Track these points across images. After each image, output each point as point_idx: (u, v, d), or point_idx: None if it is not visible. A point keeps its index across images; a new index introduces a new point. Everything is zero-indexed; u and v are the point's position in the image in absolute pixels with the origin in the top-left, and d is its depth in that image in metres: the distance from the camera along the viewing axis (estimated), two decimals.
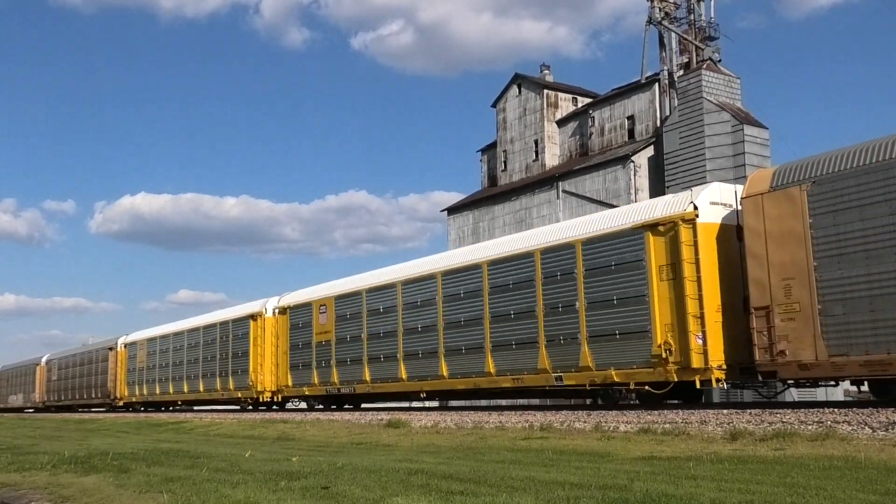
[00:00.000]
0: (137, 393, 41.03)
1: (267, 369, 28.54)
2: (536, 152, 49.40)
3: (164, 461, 11.53)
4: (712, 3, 42.94)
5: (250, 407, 30.86)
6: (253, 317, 29.61)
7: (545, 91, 49.72)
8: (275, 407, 29.84)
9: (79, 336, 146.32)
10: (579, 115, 48.32)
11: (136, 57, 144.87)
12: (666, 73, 42.52)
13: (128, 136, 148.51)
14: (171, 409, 39.93)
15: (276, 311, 28.44)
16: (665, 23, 42.90)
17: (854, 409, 11.83)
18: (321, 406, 27.34)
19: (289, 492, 7.45)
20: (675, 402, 16.93)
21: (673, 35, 42.69)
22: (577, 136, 47.98)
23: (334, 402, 26.87)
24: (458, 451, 12.19)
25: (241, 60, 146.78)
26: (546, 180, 46.62)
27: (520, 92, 51.10)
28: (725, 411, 13.03)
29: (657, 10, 43.10)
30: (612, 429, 12.79)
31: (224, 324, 32.14)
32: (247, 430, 21.25)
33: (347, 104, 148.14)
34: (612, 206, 37.26)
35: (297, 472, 8.92)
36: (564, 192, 45.13)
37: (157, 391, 38.82)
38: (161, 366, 38.42)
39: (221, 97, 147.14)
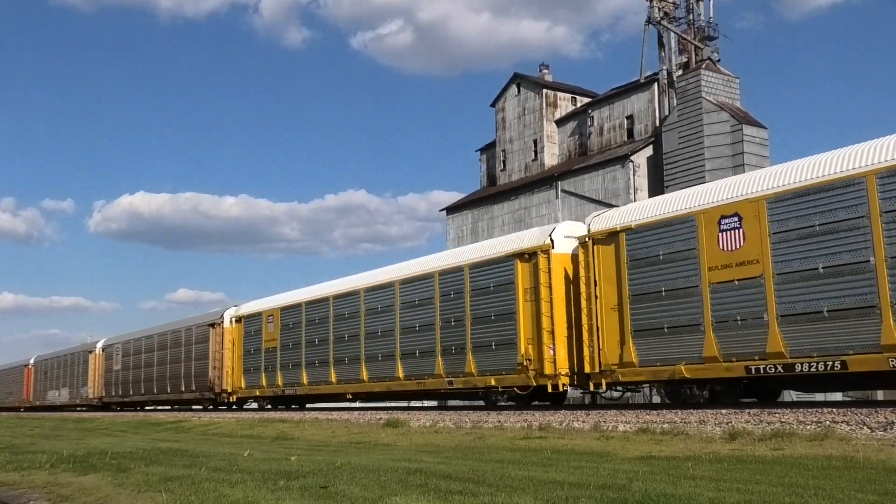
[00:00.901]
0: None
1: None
2: (535, 152, 49.42)
3: (162, 460, 11.53)
4: (711, 2, 43.05)
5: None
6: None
7: (544, 91, 49.74)
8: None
9: (78, 335, 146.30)
10: (578, 114, 48.35)
11: (135, 56, 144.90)
12: (665, 72, 42.54)
13: (127, 135, 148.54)
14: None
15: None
16: (664, 22, 42.92)
17: (853, 409, 11.84)
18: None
19: (287, 491, 7.44)
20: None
21: (672, 35, 42.71)
22: (577, 136, 48.00)
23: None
24: (457, 450, 12.19)
25: (240, 60, 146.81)
26: (545, 180, 46.64)
27: (519, 91, 51.11)
28: (724, 411, 13.04)
29: (656, 10, 43.14)
30: (610, 428, 12.80)
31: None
32: (245, 429, 21.25)
33: (347, 103, 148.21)
34: (612, 206, 37.28)
35: (295, 471, 8.91)
36: (563, 191, 45.15)
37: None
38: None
39: (221, 96, 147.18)
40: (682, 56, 42.81)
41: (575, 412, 15.71)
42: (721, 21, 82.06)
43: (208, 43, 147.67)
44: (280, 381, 27.79)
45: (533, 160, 49.55)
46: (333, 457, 11.11)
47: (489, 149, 53.99)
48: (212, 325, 32.51)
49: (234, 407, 32.59)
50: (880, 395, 27.02)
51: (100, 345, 44.79)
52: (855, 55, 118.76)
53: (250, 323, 30.37)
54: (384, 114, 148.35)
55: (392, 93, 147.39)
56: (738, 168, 36.12)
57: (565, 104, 50.14)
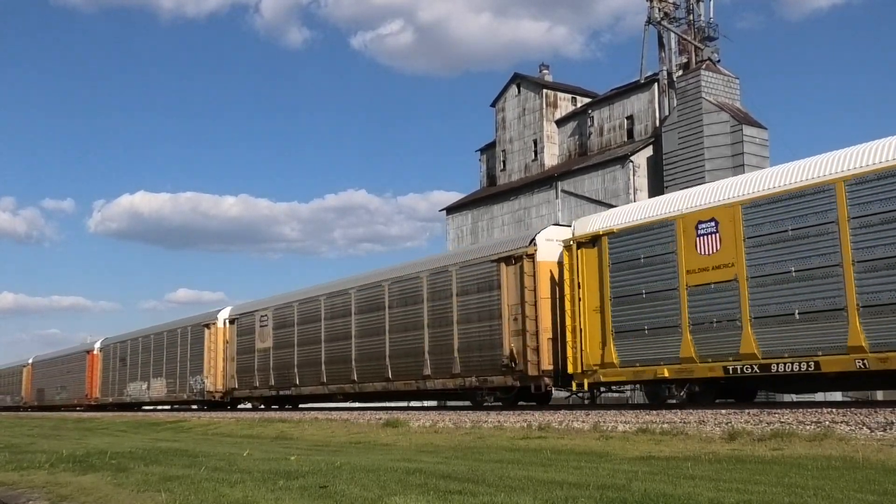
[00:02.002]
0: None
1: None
2: (535, 152, 49.42)
3: (162, 460, 11.53)
4: (711, 3, 43.04)
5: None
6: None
7: (544, 91, 49.74)
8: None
9: (78, 336, 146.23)
10: (578, 114, 48.35)
11: (135, 56, 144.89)
12: (665, 73, 42.54)
13: (127, 134, 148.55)
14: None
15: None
16: (664, 23, 42.92)
17: (852, 409, 11.85)
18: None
19: (287, 491, 7.44)
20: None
21: (672, 35, 42.71)
22: (577, 136, 48.00)
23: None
24: (457, 450, 12.19)
25: (240, 60, 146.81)
26: (545, 180, 46.64)
27: (519, 92, 51.11)
28: (724, 411, 13.04)
29: (656, 11, 43.13)
30: (610, 428, 12.80)
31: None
32: (245, 429, 21.25)
33: (347, 103, 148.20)
34: (611, 206, 37.29)
35: (295, 471, 8.91)
36: (563, 191, 45.15)
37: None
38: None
39: (221, 96, 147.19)
40: (683, 56, 42.80)
41: (574, 412, 15.72)
42: (721, 21, 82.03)
43: (209, 43, 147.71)
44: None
45: (533, 160, 49.55)
46: (333, 457, 11.11)
47: (489, 149, 53.99)
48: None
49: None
50: (880, 395, 27.02)
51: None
52: (855, 55, 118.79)
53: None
54: (384, 114, 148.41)
55: (392, 93, 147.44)
56: (738, 168, 36.11)
57: (565, 104, 50.14)
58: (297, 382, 26.62)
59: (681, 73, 41.49)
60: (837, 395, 25.47)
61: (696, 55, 41.56)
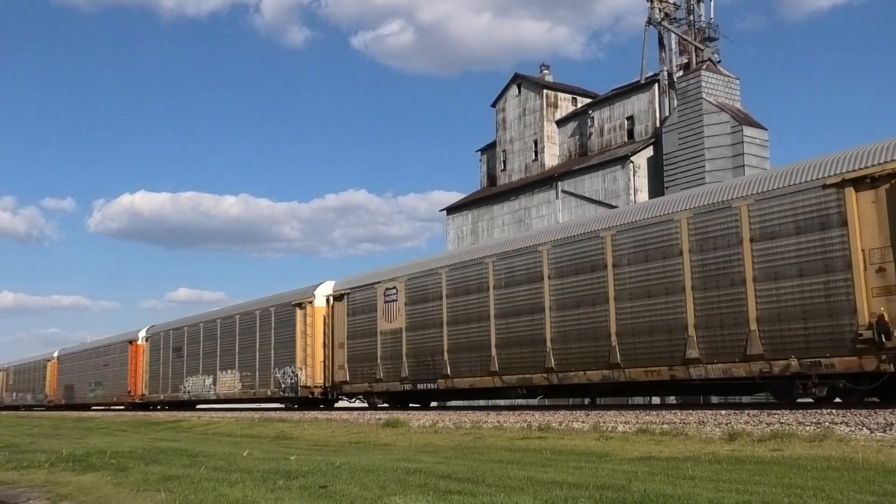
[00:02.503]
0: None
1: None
2: (536, 152, 49.41)
3: (161, 460, 11.52)
4: (712, 3, 43.02)
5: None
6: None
7: (545, 91, 49.74)
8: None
9: (79, 334, 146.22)
10: (579, 115, 48.34)
11: (136, 55, 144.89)
12: (665, 73, 42.54)
13: (127, 134, 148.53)
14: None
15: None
16: (665, 23, 42.92)
17: (852, 410, 11.85)
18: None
19: (287, 490, 7.44)
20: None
21: (672, 35, 42.70)
22: (577, 137, 47.99)
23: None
24: (457, 450, 12.19)
25: (241, 59, 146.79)
26: (545, 180, 46.63)
27: (519, 92, 51.10)
28: (724, 412, 13.05)
29: (657, 11, 43.12)
30: (610, 429, 12.80)
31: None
32: (245, 429, 21.25)
33: (347, 103, 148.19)
34: (612, 206, 37.31)
35: (295, 470, 8.91)
36: (563, 192, 45.14)
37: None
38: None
39: (221, 96, 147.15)
40: (683, 57, 42.79)
41: (574, 412, 15.71)
42: (722, 22, 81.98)
43: (209, 42, 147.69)
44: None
45: (533, 160, 49.54)
46: (333, 456, 11.11)
47: (489, 149, 53.98)
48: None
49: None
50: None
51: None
52: (856, 56, 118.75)
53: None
54: (385, 114, 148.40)
55: (393, 93, 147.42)
56: (739, 169, 36.12)
57: (566, 105, 50.12)
58: (448, 372, 20.59)
59: (681, 73, 41.48)
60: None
61: (697, 56, 41.55)
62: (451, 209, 54.18)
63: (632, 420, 13.19)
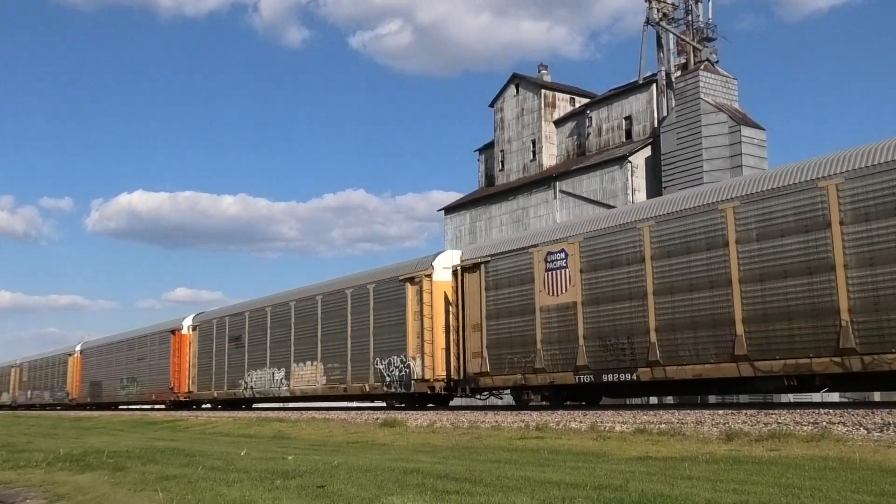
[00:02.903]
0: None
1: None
2: (534, 152, 49.42)
3: (159, 459, 11.51)
4: (710, 4, 43.06)
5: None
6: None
7: (543, 91, 49.74)
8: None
9: (76, 334, 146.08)
10: (577, 115, 48.35)
11: (134, 55, 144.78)
12: (663, 73, 42.57)
13: (125, 133, 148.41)
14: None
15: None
16: (663, 23, 42.95)
17: (849, 410, 11.86)
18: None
19: (284, 490, 7.43)
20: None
21: (671, 36, 42.74)
22: (575, 137, 48.00)
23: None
24: (454, 450, 12.18)
25: (239, 59, 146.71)
26: (543, 180, 46.65)
27: (517, 92, 51.11)
28: (721, 412, 13.05)
29: (655, 11, 43.16)
30: (607, 429, 12.80)
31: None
32: (242, 428, 21.23)
33: (346, 103, 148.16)
34: (610, 207, 37.32)
35: (292, 470, 8.90)
36: (562, 192, 45.15)
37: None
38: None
39: (220, 96, 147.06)
40: (681, 57, 42.83)
41: (572, 412, 15.71)
42: (720, 22, 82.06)
43: (208, 42, 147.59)
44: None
45: (531, 160, 49.55)
46: (330, 456, 11.10)
47: (488, 149, 53.98)
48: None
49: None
50: (877, 396, 27.06)
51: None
52: (854, 57, 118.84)
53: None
54: (383, 114, 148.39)
55: (391, 93, 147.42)
56: (737, 169, 36.14)
57: (564, 105, 50.14)
58: (657, 358, 15.84)
59: (679, 73, 41.51)
60: (835, 396, 25.49)
61: (695, 56, 41.58)
62: (450, 209, 54.18)
63: (629, 420, 13.20)
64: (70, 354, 47.95)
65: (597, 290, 17.27)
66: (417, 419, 17.52)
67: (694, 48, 41.78)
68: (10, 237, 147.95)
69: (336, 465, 9.31)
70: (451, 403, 23.68)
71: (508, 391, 20.65)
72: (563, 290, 17.92)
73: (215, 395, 32.17)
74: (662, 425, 12.24)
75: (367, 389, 23.40)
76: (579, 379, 17.51)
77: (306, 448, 13.73)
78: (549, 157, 48.94)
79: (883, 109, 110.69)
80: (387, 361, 22.70)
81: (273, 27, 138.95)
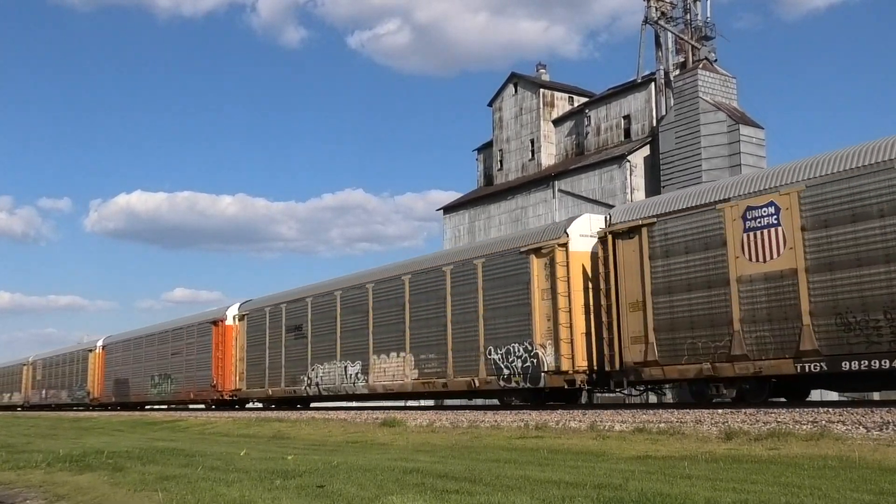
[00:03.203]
0: None
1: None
2: (532, 151, 49.41)
3: (158, 460, 11.51)
4: (709, 2, 43.06)
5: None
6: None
7: (541, 90, 49.73)
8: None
9: (75, 335, 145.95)
10: (575, 114, 48.34)
11: (132, 55, 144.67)
12: (662, 72, 42.57)
13: (124, 134, 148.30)
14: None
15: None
16: (661, 22, 42.94)
17: (848, 408, 11.87)
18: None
19: (284, 490, 7.44)
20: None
21: (669, 35, 42.73)
22: (574, 136, 48.00)
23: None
24: (454, 449, 12.19)
25: (237, 59, 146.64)
26: (542, 179, 46.65)
27: (516, 91, 51.10)
28: (720, 411, 13.06)
29: (653, 10, 43.15)
30: (607, 428, 12.80)
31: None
32: (242, 428, 21.22)
33: (344, 103, 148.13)
34: (609, 206, 37.30)
35: (292, 470, 8.91)
36: (560, 191, 45.16)
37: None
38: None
39: (218, 95, 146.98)
40: (680, 56, 42.83)
41: (571, 412, 15.71)
42: (718, 21, 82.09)
43: (206, 42, 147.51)
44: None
45: (530, 160, 49.54)
46: (330, 456, 11.10)
47: (486, 148, 53.97)
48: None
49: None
50: (876, 395, 27.08)
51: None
52: (852, 56, 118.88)
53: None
54: (382, 113, 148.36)
55: (389, 92, 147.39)
56: (735, 168, 36.15)
57: (562, 104, 50.12)
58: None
59: (678, 72, 41.51)
60: (834, 395, 25.51)
61: (693, 55, 41.58)
62: (448, 208, 54.17)
63: (629, 419, 13.20)
64: (91, 350, 44.56)
65: (838, 251, 13.35)
66: (417, 419, 17.53)
67: (692, 47, 41.79)
68: (9, 237, 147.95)
69: (336, 465, 9.31)
70: (602, 395, 20.68)
71: (684, 384, 17.11)
72: (773, 255, 14.23)
73: (270, 392, 28.41)
74: (662, 424, 12.25)
75: (477, 384, 19.82)
76: (802, 368, 13.71)
77: (306, 448, 13.73)
78: (548, 156, 48.94)
79: (881, 108, 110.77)
80: (504, 350, 19.07)
81: (271, 27, 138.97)
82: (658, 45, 43.21)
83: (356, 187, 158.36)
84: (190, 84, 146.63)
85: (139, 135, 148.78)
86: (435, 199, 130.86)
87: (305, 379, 26.43)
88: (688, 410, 13.80)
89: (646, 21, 43.59)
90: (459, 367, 20.43)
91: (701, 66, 39.69)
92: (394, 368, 22.54)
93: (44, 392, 52.57)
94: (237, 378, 30.46)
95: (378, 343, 23.29)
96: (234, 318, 31.04)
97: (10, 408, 58.15)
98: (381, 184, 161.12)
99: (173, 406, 37.86)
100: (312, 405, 29.40)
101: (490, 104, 52.82)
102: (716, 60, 40.75)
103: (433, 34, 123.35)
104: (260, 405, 31.36)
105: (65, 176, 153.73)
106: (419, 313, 21.87)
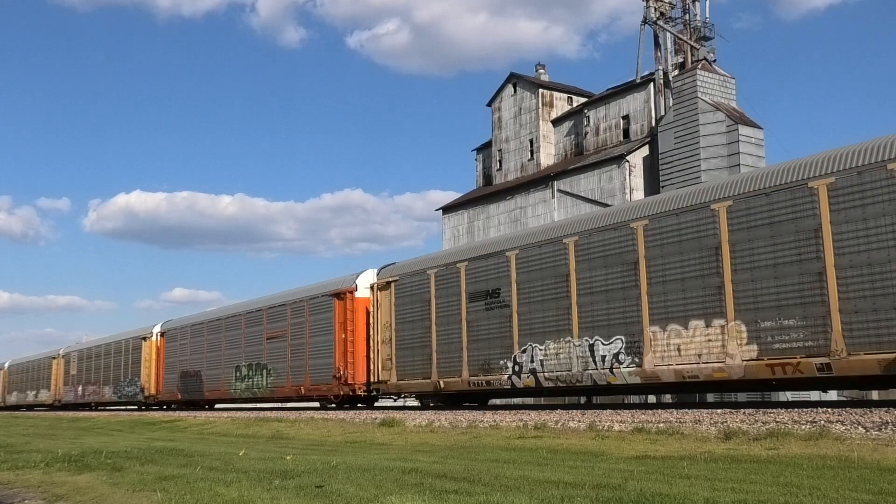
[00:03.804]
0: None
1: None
2: (531, 151, 49.42)
3: (157, 460, 11.50)
4: (707, 3, 43.10)
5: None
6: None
7: (540, 90, 49.73)
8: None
9: (74, 334, 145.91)
10: (574, 114, 48.35)
11: (132, 55, 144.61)
12: (661, 72, 42.58)
13: (123, 133, 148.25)
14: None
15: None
16: (660, 23, 42.96)
17: (847, 408, 11.87)
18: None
19: (283, 490, 7.43)
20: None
21: (668, 35, 42.75)
22: (573, 136, 48.01)
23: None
24: (453, 450, 12.18)
25: (237, 59, 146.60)
26: (541, 179, 46.65)
27: (515, 91, 51.10)
28: (719, 411, 13.06)
29: (652, 10, 43.17)
30: (606, 428, 12.79)
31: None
32: (241, 428, 21.21)
33: (343, 103, 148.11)
34: (607, 206, 37.31)
35: (291, 470, 8.90)
36: (559, 191, 45.16)
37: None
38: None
39: (217, 95, 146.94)
40: (678, 56, 42.84)
41: (571, 412, 15.71)
42: (717, 21, 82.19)
43: (205, 42, 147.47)
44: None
45: (529, 160, 49.55)
46: (329, 456, 11.10)
47: (485, 148, 53.97)
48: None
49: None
50: (875, 395, 27.09)
51: None
52: (851, 56, 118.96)
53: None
54: (381, 113, 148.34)
55: (389, 92, 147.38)
56: (734, 168, 36.16)
57: (561, 104, 50.13)
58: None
59: (677, 72, 41.52)
60: (833, 395, 25.52)
61: (692, 55, 41.60)
62: (447, 208, 54.16)
63: (628, 419, 13.19)
64: (145, 338, 37.27)
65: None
66: (416, 419, 17.52)
67: (691, 47, 41.80)
68: (8, 238, 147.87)
69: (334, 465, 9.30)
70: None
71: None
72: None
73: (441, 384, 20.41)
74: (661, 424, 12.24)
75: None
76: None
77: (305, 448, 13.72)
78: (547, 156, 48.94)
79: (880, 107, 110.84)
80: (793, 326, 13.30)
81: (270, 27, 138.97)
82: (657, 45, 43.23)
83: (355, 187, 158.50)
84: (189, 84, 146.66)
85: (138, 135, 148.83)
86: (434, 199, 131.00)
87: (508, 365, 18.68)
88: (687, 410, 13.80)
89: (645, 21, 43.60)
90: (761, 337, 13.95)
91: (700, 66, 39.70)
92: (698, 344, 14.85)
93: (80, 389, 45.36)
94: (378, 366, 22.91)
95: (658, 310, 15.60)
96: (369, 287, 23.91)
97: (38, 407, 51.85)
98: (380, 184, 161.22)
99: (271, 406, 31.22)
100: (521, 401, 22.23)
101: (489, 104, 52.83)
102: (715, 61, 40.77)
103: (432, 34, 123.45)
104: (417, 403, 24.23)
105: (64, 176, 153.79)
106: (744, 262, 14.16)
